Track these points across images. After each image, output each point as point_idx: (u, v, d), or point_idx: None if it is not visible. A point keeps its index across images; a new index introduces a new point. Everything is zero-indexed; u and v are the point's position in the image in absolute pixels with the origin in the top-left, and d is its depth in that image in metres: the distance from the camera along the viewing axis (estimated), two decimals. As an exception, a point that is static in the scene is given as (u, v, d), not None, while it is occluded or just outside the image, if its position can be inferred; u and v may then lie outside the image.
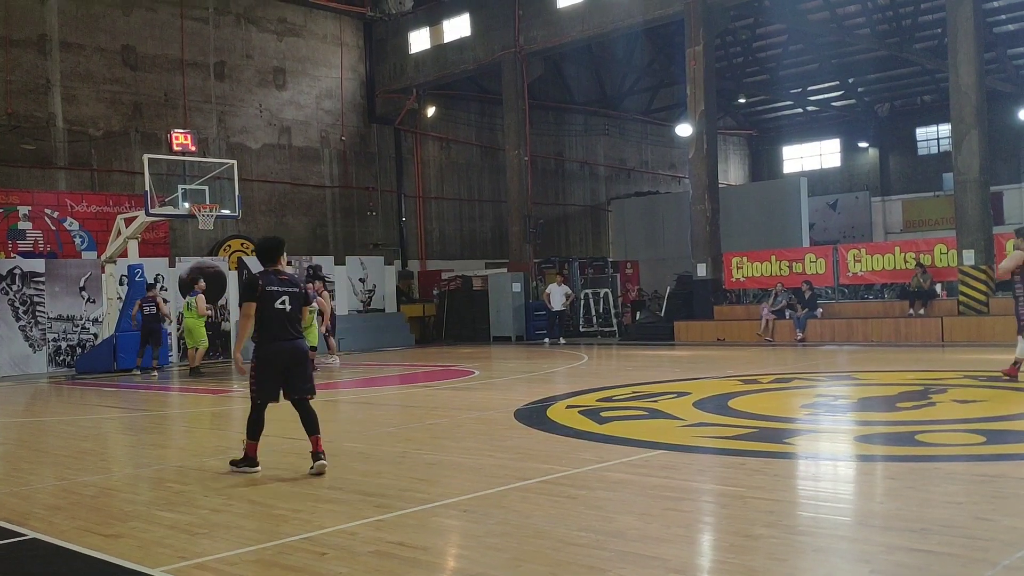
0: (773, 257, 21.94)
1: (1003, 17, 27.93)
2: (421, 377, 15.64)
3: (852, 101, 36.24)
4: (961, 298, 18.49)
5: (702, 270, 22.47)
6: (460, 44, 27.72)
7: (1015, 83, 30.99)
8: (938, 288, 19.02)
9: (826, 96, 35.99)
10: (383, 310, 25.77)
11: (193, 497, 6.26)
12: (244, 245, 24.75)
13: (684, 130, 23.59)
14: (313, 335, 15.93)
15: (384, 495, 6.04)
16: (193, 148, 19.34)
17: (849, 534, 4.87)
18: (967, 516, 4.92)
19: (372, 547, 4.81)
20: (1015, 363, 10.64)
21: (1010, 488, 5.61)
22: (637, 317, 25.83)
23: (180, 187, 18.41)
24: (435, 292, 28.32)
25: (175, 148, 18.72)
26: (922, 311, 18.94)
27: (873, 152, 37.54)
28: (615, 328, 24.97)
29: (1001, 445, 6.91)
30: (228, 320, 21.62)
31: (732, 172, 39.88)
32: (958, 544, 4.41)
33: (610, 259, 30.97)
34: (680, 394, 10.88)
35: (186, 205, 18.35)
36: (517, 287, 25.68)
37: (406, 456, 7.58)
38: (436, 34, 28.33)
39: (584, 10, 24.76)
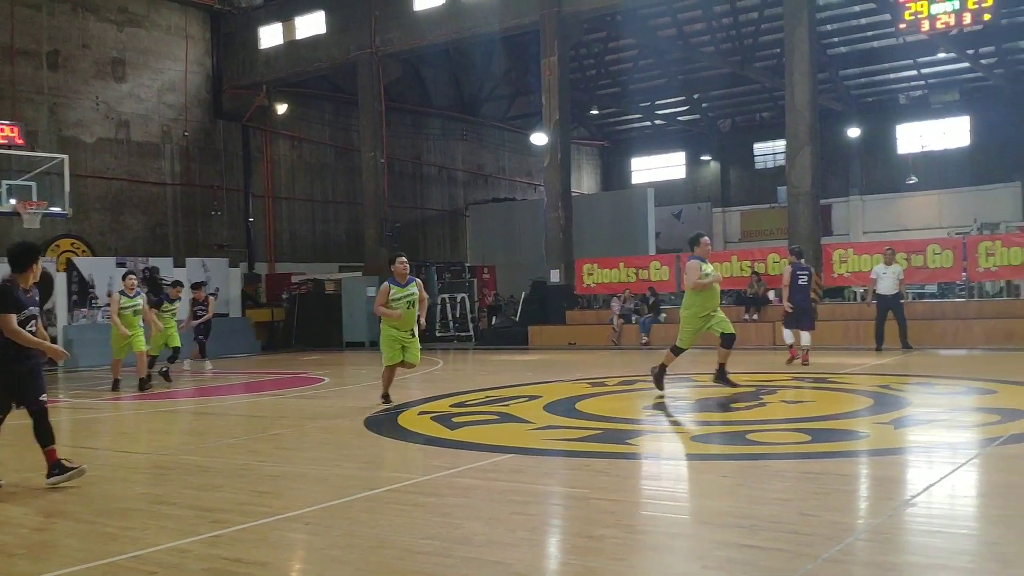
0: (621, 264, 22.59)
1: (836, 40, 29.80)
2: (268, 385, 15.21)
3: (697, 116, 37.79)
4: None
5: (555, 276, 22.89)
6: (314, 42, 27.19)
7: (845, 102, 33.11)
8: (771, 295, 20.08)
9: (673, 111, 37.38)
10: (227, 315, 24.75)
11: (12, 516, 5.86)
12: (74, 245, 23.39)
13: (539, 139, 24.00)
14: (174, 338, 15.33)
15: (222, 510, 5.82)
16: (20, 141, 18.16)
17: (684, 531, 5.06)
18: (793, 512, 5.20)
19: (205, 564, 4.62)
20: (791, 346, 14.20)
21: (832, 484, 5.96)
22: (493, 322, 26.05)
23: (4, 183, 17.25)
24: (284, 296, 27.62)
25: (-1, 140, 17.55)
26: (756, 316, 19.93)
27: (715, 165, 39.27)
28: (471, 333, 25.08)
29: (825, 443, 7.34)
30: (55, 325, 20.40)
31: (585, 181, 40.84)
32: (784, 539, 4.65)
33: (468, 264, 31.10)
34: (532, 397, 11.04)
35: (11, 202, 17.21)
36: (372, 291, 25.37)
37: (248, 468, 7.34)
38: (289, 30, 27.66)
39: (441, 14, 24.79)
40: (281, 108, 28.60)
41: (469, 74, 33.83)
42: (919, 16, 19.65)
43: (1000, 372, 12.26)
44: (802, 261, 14.63)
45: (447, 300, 25.77)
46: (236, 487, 6.62)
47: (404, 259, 10.70)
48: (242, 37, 28.26)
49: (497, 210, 33.28)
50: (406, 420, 9.63)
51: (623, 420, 9.22)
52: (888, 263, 16.30)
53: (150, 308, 14.75)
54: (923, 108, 32.78)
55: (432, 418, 9.67)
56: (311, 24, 27.25)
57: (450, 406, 10.72)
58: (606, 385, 12.37)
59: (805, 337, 14.10)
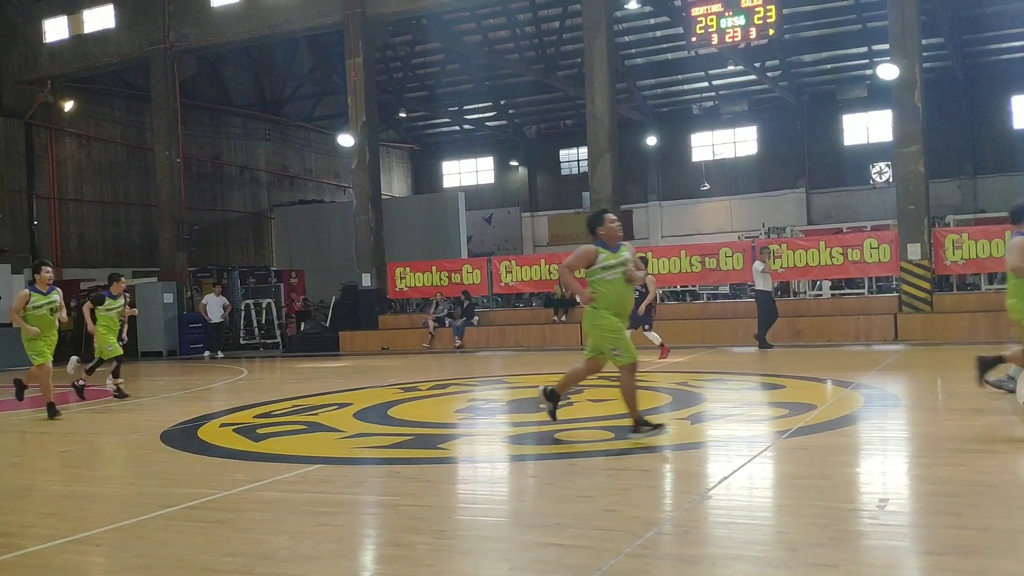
0: (434, 268, 22.61)
1: (633, 51, 31.15)
2: (57, 399, 14.06)
3: (504, 122, 38.42)
4: None
5: (367, 280, 22.59)
6: (103, 36, 25.57)
7: (643, 112, 34.68)
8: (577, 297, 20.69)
9: (481, 116, 37.84)
10: (9, 325, 22.64)
11: None
12: None
13: (346, 140, 23.65)
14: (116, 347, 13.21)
15: (4, 534, 5.33)
16: None
17: (494, 534, 5.07)
18: (597, 509, 5.32)
19: (-24, 599, 4.19)
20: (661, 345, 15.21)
21: (634, 480, 6.16)
22: (302, 328, 25.37)
23: None
24: (73, 303, 25.71)
25: None
26: (563, 318, 20.50)
27: (523, 171, 40.08)
28: (278, 340, 24.31)
29: (626, 440, 7.58)
30: None
31: (396, 184, 40.59)
32: (588, 536, 4.74)
33: (273, 268, 30.13)
34: (342, 405, 10.79)
35: None
36: (169, 297, 24.12)
37: (32, 489, 6.76)
38: (76, 23, 25.90)
39: (240, 11, 23.93)
40: (68, 105, 26.65)
41: (272, 72, 32.83)
42: (709, 30, 20.88)
43: (788, 368, 13.16)
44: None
45: (252, 306, 24.85)
46: (18, 509, 6.10)
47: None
48: (25, 30, 26.24)
49: (304, 212, 32.46)
50: (206, 433, 9.17)
51: (435, 425, 9.18)
52: (763, 261, 16.69)
53: (94, 306, 13.11)
54: (715, 118, 34.84)
55: (235, 430, 9.25)
56: (100, 18, 25.66)
57: (254, 417, 10.30)
58: (419, 390, 12.30)
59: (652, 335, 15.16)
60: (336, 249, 29.24)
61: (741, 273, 19.87)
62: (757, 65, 29.05)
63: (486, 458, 7.52)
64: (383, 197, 23.84)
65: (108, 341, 13.10)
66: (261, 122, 34.00)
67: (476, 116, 37.72)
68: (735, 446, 7.40)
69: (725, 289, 23.53)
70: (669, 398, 10.22)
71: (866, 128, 32.78)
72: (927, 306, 17.02)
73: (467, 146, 41.36)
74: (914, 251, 17.32)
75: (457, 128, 39.93)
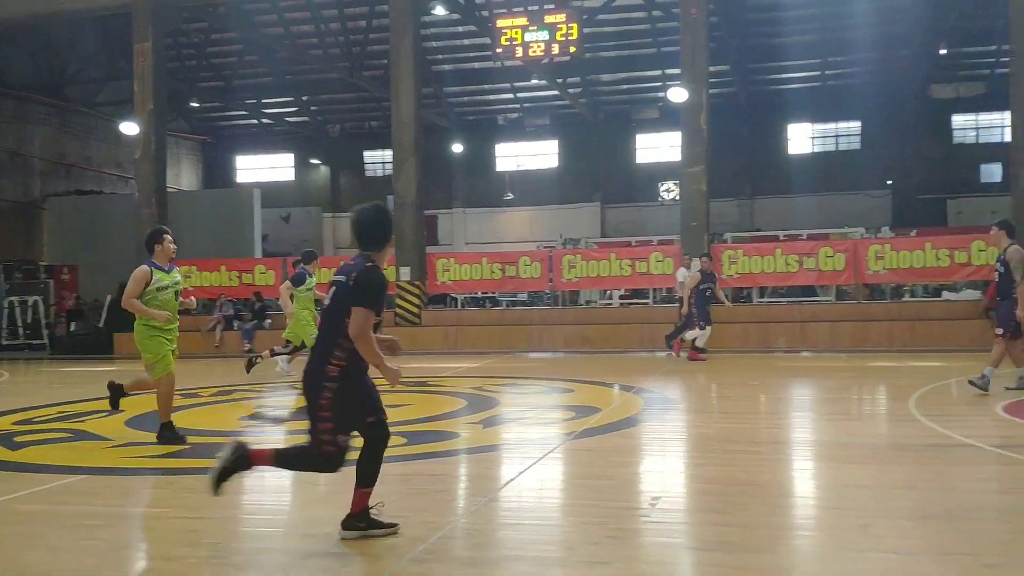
0: (223, 267, 21.63)
1: (440, 57, 31.26)
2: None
3: (306, 119, 37.49)
4: (398, 310, 20.07)
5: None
6: None
7: (450, 119, 34.83)
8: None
9: (281, 110, 36.72)
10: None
11: None
12: None
13: (130, 128, 22.23)
14: None
15: None
16: None
17: (271, 545, 4.87)
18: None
19: None
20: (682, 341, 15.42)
21: (425, 484, 6.11)
22: (72, 328, 23.52)
23: None
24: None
25: None
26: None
27: (325, 170, 39.26)
28: (45, 341, 22.47)
29: (419, 445, 7.52)
30: None
31: (185, 177, 38.58)
32: (372, 543, 4.63)
33: (44, 263, 27.81)
34: (112, 412, 10.03)
35: None
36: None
37: None
38: None
39: (19, -15, 22.01)
40: None
41: (52, 52, 30.35)
42: (514, 43, 21.28)
43: (577, 373, 13.57)
44: None
45: (16, 304, 22.83)
46: None
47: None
48: None
49: (81, 204, 30.13)
50: (-46, 442, 8.27)
51: (216, 433, 8.71)
52: (687, 267, 16.97)
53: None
54: (519, 130, 35.56)
55: (-11, 438, 8.41)
56: None
57: (13, 424, 9.44)
58: (200, 396, 11.69)
59: None
60: (115, 244, 27.27)
61: (538, 281, 20.34)
62: (559, 81, 29.91)
63: (270, 467, 7.20)
64: (169, 190, 22.60)
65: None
66: (37, 105, 31.31)
67: (276, 110, 36.55)
68: (525, 449, 7.51)
69: (523, 296, 24.04)
70: (464, 403, 10.25)
71: (657, 148, 34.52)
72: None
73: (265, 141, 39.98)
74: (695, 265, 18.33)
75: (255, 121, 38.48)
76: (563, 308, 21.38)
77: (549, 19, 21.05)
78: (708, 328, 15.05)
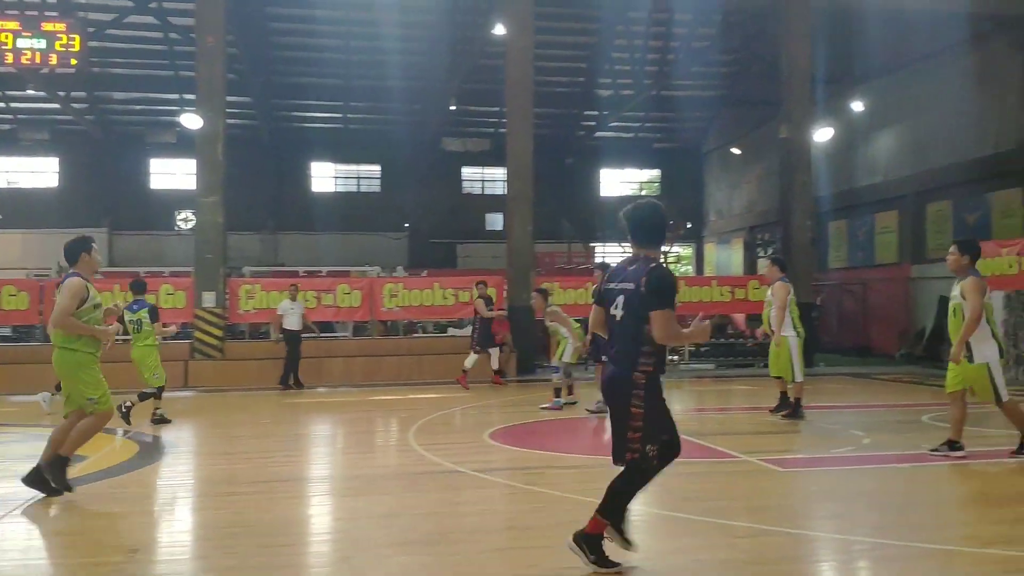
0: None
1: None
2: None
3: None
4: (195, 343, 17.55)
5: None
6: None
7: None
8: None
9: None
10: None
11: None
12: None
13: None
14: None
15: None
16: None
17: None
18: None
19: None
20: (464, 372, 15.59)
21: None
22: None
23: None
24: None
25: None
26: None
27: None
28: None
29: None
30: None
31: None
32: None
33: None
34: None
35: None
36: None
37: None
38: None
39: None
40: None
41: None
42: (4, 48, 18.92)
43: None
44: None
45: None
46: None
47: None
48: None
49: None
50: None
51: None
52: (292, 298, 16.52)
53: None
54: (12, 143, 31.53)
55: None
56: None
57: None
58: None
59: None
60: None
61: (26, 314, 17.97)
62: (61, 94, 27.14)
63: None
64: None
65: None
66: None
67: None
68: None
69: (6, 331, 21.08)
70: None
71: (174, 174, 32.88)
72: (219, 353, 17.41)
73: None
74: (209, 299, 17.63)
75: None
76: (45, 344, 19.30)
77: (47, 27, 19.08)
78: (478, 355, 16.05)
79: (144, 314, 11.02)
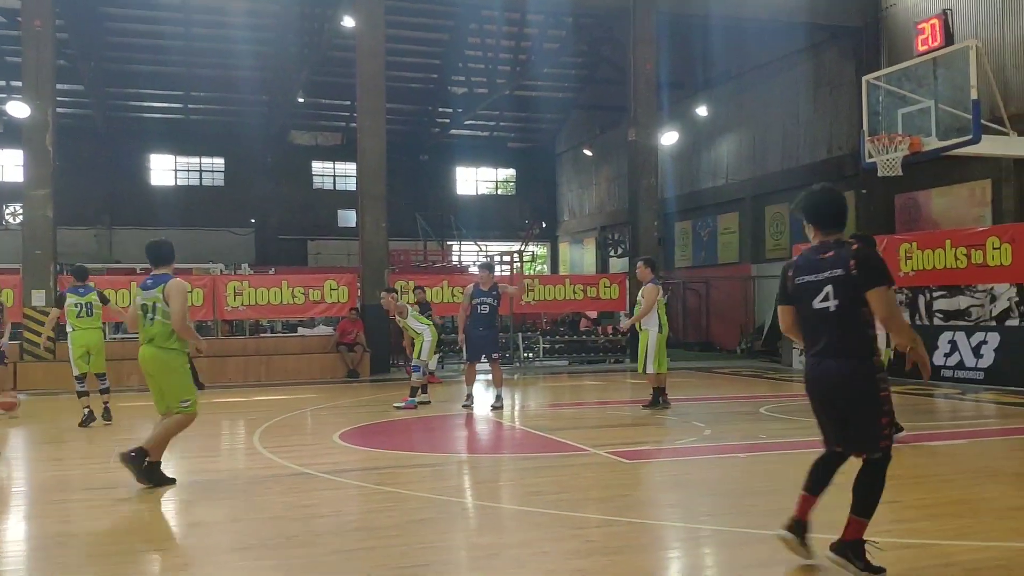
0: None
1: None
2: None
3: None
4: (25, 344, 16.48)
5: None
6: None
7: None
8: None
9: None
10: None
11: None
12: None
13: None
14: None
15: None
16: None
17: None
18: None
19: None
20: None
21: None
22: None
23: None
24: None
25: None
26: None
27: None
28: None
29: None
30: None
31: None
32: None
33: None
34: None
35: None
36: None
37: None
38: None
39: None
40: None
41: None
42: None
43: None
44: None
45: None
46: None
47: None
48: None
49: None
50: None
51: None
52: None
53: None
54: None
55: None
56: None
57: None
58: None
59: None
60: None
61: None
62: None
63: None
64: None
65: None
66: None
67: None
68: None
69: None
70: None
71: (1, 165, 30.72)
72: (50, 354, 16.35)
73: None
74: (39, 297, 16.56)
75: None
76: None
77: None
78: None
79: (94, 297, 10.94)
